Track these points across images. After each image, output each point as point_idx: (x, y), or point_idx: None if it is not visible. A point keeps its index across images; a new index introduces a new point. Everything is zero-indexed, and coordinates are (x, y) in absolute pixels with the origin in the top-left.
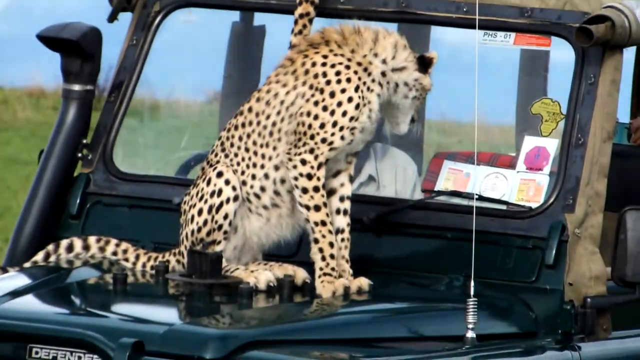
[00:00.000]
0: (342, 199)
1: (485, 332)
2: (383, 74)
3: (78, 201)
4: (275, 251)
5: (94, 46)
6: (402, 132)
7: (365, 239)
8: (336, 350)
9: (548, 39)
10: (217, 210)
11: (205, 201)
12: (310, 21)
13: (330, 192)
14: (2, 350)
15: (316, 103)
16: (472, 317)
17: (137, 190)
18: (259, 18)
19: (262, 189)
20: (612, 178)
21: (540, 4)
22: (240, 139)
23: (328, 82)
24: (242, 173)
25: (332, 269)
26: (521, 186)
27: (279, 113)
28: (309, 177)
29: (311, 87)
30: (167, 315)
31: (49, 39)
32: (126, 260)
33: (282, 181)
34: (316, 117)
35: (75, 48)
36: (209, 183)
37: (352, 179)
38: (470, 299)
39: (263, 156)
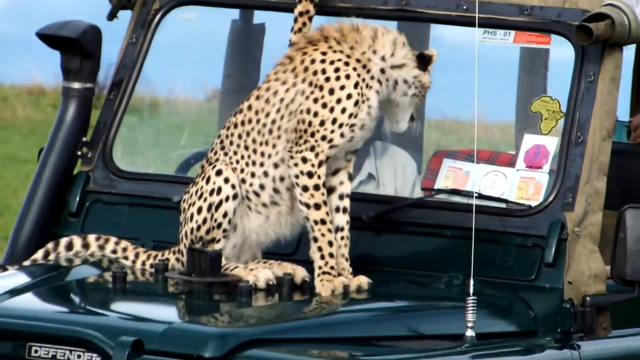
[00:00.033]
0: (341, 197)
1: (485, 331)
2: (382, 70)
3: (77, 199)
4: (274, 249)
5: (94, 44)
6: (401, 130)
7: (365, 238)
8: (335, 348)
9: (548, 37)
10: (217, 209)
11: (205, 199)
12: (310, 19)
13: (330, 190)
14: (1, 348)
15: (315, 100)
16: (472, 316)
17: (136, 188)
18: (259, 16)
19: (262, 186)
20: (611, 176)
21: (540, 1)
22: (240, 137)
23: (327, 79)
24: (242, 171)
25: (331, 267)
26: (521, 184)
27: (278, 111)
28: (310, 175)
29: (310, 84)
30: (166, 313)
31: (49, 37)
32: (125, 258)
33: (282, 179)
34: (316, 115)
35: (74, 46)
36: (208, 181)
37: (351, 177)
38: (470, 298)
39: (262, 154)
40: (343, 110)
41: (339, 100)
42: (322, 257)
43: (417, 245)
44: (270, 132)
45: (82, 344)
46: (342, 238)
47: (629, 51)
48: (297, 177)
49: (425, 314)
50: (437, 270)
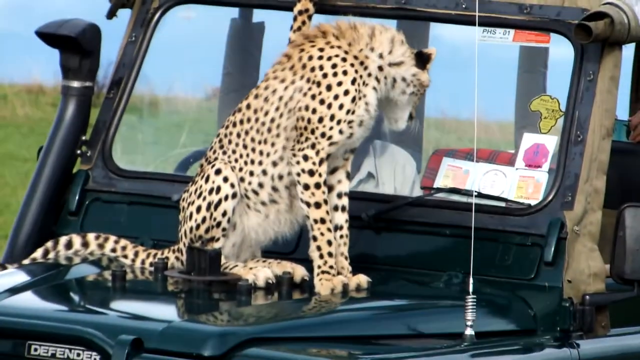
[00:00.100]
0: (339, 196)
1: (484, 330)
2: (380, 68)
3: (77, 198)
4: (274, 248)
5: (93, 43)
6: (400, 128)
7: (364, 236)
8: (335, 347)
9: (547, 36)
10: (216, 208)
11: (204, 198)
12: (310, 18)
13: (328, 189)
14: (1, 347)
15: (313, 97)
16: (471, 315)
17: (136, 187)
18: (258, 15)
19: (260, 185)
20: (611, 175)
21: (540, 0)
22: (239, 135)
23: (325, 75)
24: (240, 170)
25: (331, 266)
26: (520, 183)
27: (277, 109)
28: (311, 173)
29: (308, 80)
30: (166, 312)
31: (48, 36)
32: (125, 257)
33: (280, 177)
34: (314, 111)
35: (74, 44)
36: (207, 180)
37: (349, 176)
38: (469, 297)
39: (261, 153)
40: (341, 107)
41: (336, 97)
42: (321, 256)
43: (417, 244)
44: (269, 130)
45: (82, 343)
46: (341, 237)
47: (629, 50)
48: (298, 175)
49: (424, 312)
50: (437, 269)
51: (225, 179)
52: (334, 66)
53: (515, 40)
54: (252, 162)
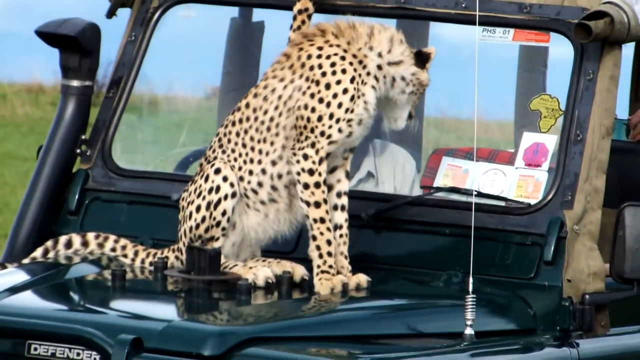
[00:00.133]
0: (339, 195)
1: (484, 329)
2: (379, 67)
3: (77, 197)
4: (273, 247)
5: (93, 42)
6: (399, 127)
7: (364, 236)
8: (334, 346)
9: (547, 35)
10: (215, 207)
11: (203, 198)
12: (309, 17)
13: (328, 188)
14: (1, 346)
15: (312, 95)
16: (471, 314)
17: (135, 186)
18: (258, 14)
19: (260, 184)
20: (610, 174)
21: None
22: (238, 134)
23: (324, 74)
24: (240, 169)
25: (330, 266)
26: (520, 182)
27: (276, 108)
28: (311, 172)
29: (307, 79)
30: (165, 311)
31: (48, 35)
32: (125, 256)
33: (279, 176)
34: (313, 110)
35: (73, 44)
36: (206, 180)
37: (348, 175)
38: (469, 296)
39: (260, 152)
40: (340, 105)
41: (335, 95)
42: (321, 255)
43: (416, 243)
44: (269, 129)
45: (82, 342)
46: (340, 236)
47: (628, 49)
48: (298, 174)
49: (424, 312)
50: (436, 268)
51: (225, 179)
52: (333, 65)
53: (515, 40)
54: (252, 161)
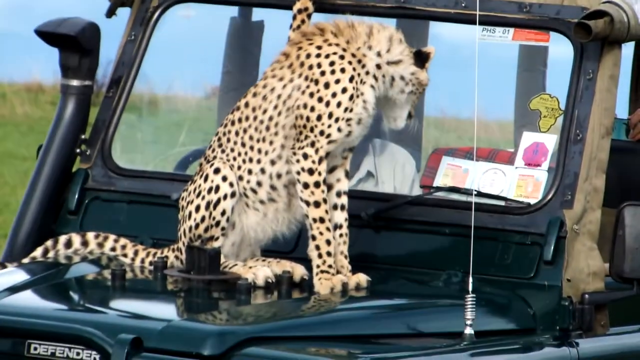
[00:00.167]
0: (339, 194)
1: (484, 329)
2: (378, 66)
3: (76, 197)
4: (273, 247)
5: (93, 41)
6: (399, 127)
7: (364, 235)
8: (334, 346)
9: (547, 35)
10: (215, 207)
11: (203, 197)
12: (309, 16)
13: (328, 188)
14: (0, 346)
15: (311, 94)
16: (471, 314)
17: (135, 185)
18: (257, 13)
19: (259, 183)
20: (610, 174)
21: None
22: (237, 134)
23: (322, 73)
24: (239, 168)
25: (329, 266)
26: (520, 182)
27: (276, 107)
28: (311, 172)
29: (306, 78)
30: (165, 311)
31: (47, 34)
32: (125, 256)
33: (279, 176)
34: (312, 109)
35: (73, 43)
36: (206, 179)
37: (347, 174)
38: (469, 295)
39: (259, 151)
40: (339, 104)
41: (334, 94)
42: (320, 255)
43: (416, 242)
44: (268, 128)
45: (81, 342)
46: (340, 235)
47: (628, 48)
48: (298, 173)
49: (424, 311)
50: (436, 267)
51: (224, 178)
52: (332, 64)
53: (515, 39)
54: (251, 160)
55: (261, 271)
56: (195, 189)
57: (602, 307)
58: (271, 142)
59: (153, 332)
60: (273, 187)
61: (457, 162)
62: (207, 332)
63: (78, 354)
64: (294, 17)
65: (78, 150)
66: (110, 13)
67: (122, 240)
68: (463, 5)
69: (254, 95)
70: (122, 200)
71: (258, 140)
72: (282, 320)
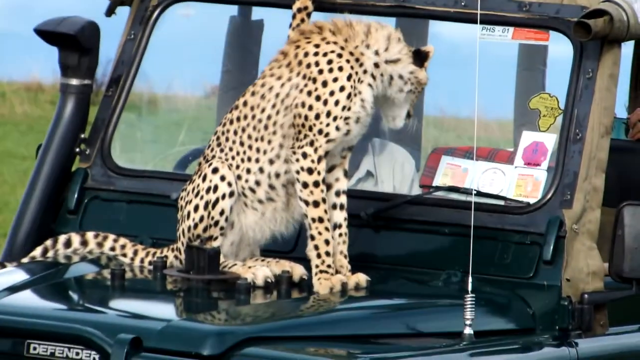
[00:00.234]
0: (338, 194)
1: (483, 329)
2: (376, 65)
3: (76, 196)
4: (272, 247)
5: (92, 40)
6: (397, 126)
7: (363, 235)
8: (333, 346)
9: (546, 34)
10: (213, 207)
11: (201, 197)
12: (309, 15)
13: (327, 188)
14: (0, 346)
15: (309, 93)
16: (470, 313)
17: (135, 185)
18: (257, 12)
19: (257, 183)
20: (609, 173)
21: None
22: (235, 133)
23: (320, 72)
24: (237, 167)
25: (329, 265)
26: (519, 181)
27: (274, 106)
28: (310, 171)
29: (304, 77)
30: (165, 311)
31: (47, 33)
32: (124, 255)
33: (277, 175)
34: (311, 108)
35: (73, 42)
36: (204, 179)
37: (346, 174)
38: (468, 295)
39: (258, 150)
40: (336, 103)
41: (332, 93)
42: (319, 255)
43: (416, 242)
44: (266, 127)
45: (81, 342)
46: (340, 235)
47: (628, 48)
48: (297, 172)
49: (423, 311)
50: (436, 267)
51: (223, 178)
52: (330, 62)
53: (515, 38)
54: (249, 159)
55: (260, 271)
56: (194, 189)
57: (601, 307)
58: (269, 141)
59: (152, 332)
60: (271, 187)
61: (456, 161)
62: (207, 332)
63: (77, 354)
64: (294, 16)
65: (77, 150)
66: (110, 12)
67: (122, 240)
68: (462, 4)
69: (253, 94)
70: (122, 199)
71: (256, 140)
72: (281, 320)
